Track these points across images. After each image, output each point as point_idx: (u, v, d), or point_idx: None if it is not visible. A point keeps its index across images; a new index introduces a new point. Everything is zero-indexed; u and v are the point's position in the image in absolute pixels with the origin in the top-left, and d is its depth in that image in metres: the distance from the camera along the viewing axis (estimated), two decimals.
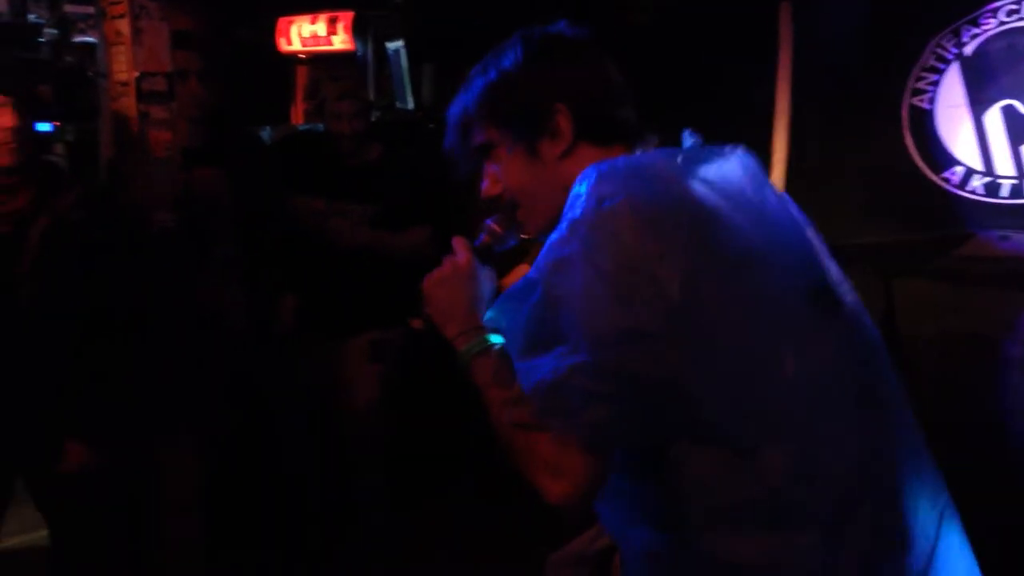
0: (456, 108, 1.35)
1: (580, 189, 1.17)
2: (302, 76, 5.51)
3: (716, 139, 4.36)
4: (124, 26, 2.85)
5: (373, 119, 4.15)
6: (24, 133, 2.42)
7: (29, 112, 2.42)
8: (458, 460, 4.06)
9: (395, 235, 3.55)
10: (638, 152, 1.33)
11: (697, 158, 1.25)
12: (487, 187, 1.36)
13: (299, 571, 3.51)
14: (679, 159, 1.22)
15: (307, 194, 3.50)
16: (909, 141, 3.64)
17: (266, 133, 5.05)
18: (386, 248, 3.54)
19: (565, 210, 1.19)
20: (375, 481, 3.60)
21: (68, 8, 6.81)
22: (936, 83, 3.59)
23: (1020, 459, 2.73)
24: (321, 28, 5.15)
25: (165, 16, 2.92)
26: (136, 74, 2.86)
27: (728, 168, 1.26)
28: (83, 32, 6.81)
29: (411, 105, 5.06)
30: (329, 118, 3.56)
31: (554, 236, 1.17)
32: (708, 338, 1.08)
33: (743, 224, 1.16)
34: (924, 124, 3.62)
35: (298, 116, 5.57)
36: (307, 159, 3.64)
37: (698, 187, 1.16)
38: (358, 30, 5.15)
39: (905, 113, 3.65)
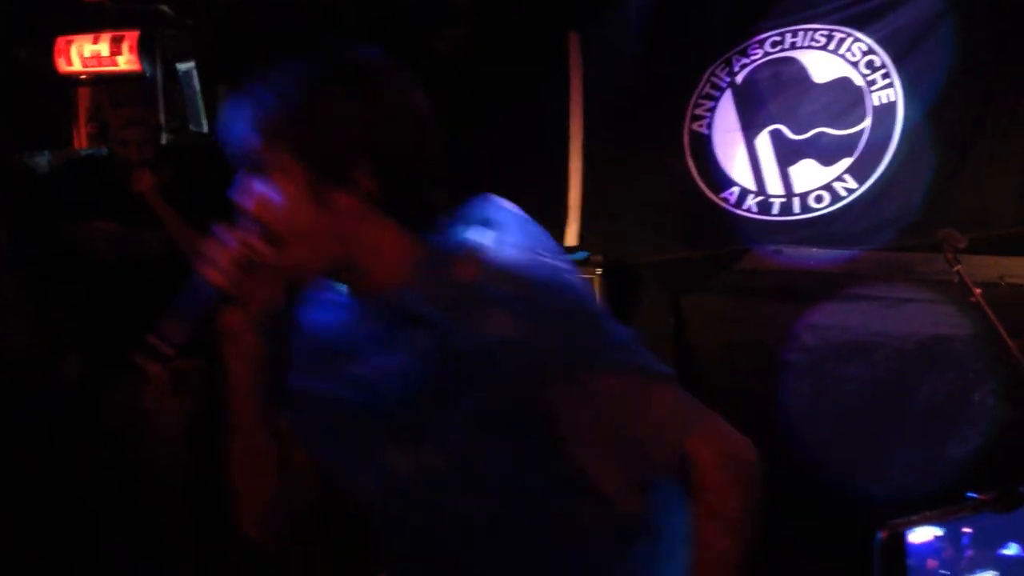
0: (247, 110, 1.13)
1: None
2: (84, 98, 5.21)
3: (514, 167, 4.43)
4: None
5: (164, 142, 3.99)
6: None
7: None
8: None
9: (188, 229, 3.43)
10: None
11: None
12: (247, 203, 1.14)
13: None
14: None
15: (95, 219, 3.32)
16: (691, 164, 3.88)
17: (44, 159, 4.75)
18: (177, 231, 3.40)
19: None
20: (178, 521, 3.44)
21: None
22: (712, 110, 3.86)
23: (797, 455, 2.94)
24: (104, 48, 4.87)
25: None
26: None
27: None
28: None
29: (205, 128, 4.90)
30: (114, 145, 3.38)
31: None
32: None
33: None
34: (703, 148, 3.88)
35: (81, 140, 5.27)
36: (93, 185, 3.46)
37: None
38: (145, 50, 4.92)
39: (686, 138, 3.89)
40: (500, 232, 1.15)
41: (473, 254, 1.12)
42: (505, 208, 1.20)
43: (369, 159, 1.10)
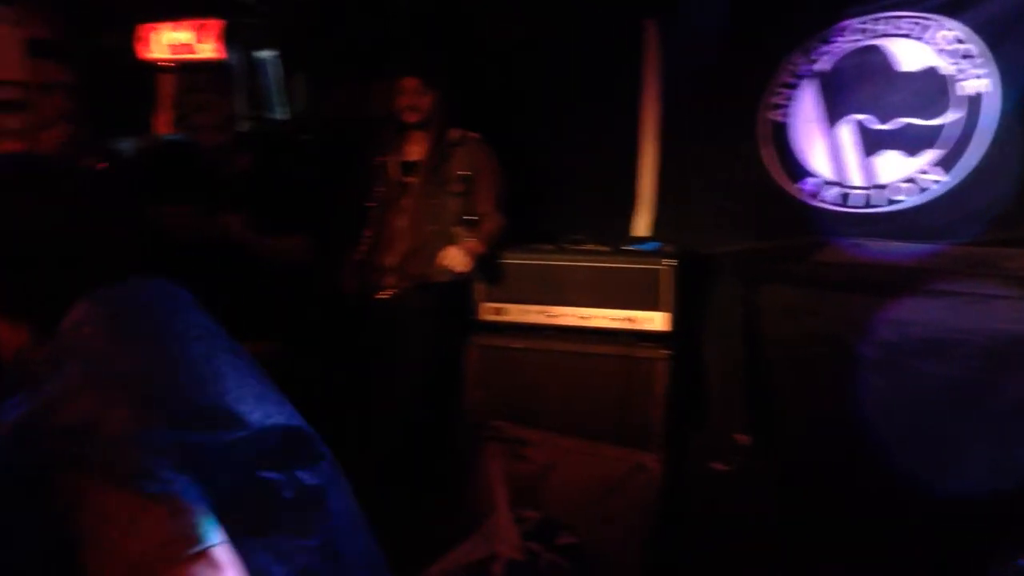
0: None
1: None
2: (166, 84, 5.34)
3: (585, 156, 4.37)
4: None
5: (246, 129, 4.07)
6: None
7: None
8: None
9: (270, 238, 3.49)
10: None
11: None
12: None
13: None
14: None
15: (176, 204, 3.40)
16: (767, 153, 3.81)
17: (128, 144, 4.88)
18: (262, 249, 3.46)
19: None
20: None
21: None
22: (791, 98, 3.77)
23: (871, 449, 2.87)
24: (187, 36, 4.99)
25: (20, 22, 2.76)
26: None
27: None
28: None
29: (284, 115, 4.99)
30: (187, 130, 3.48)
31: None
32: None
33: None
34: (781, 137, 3.79)
35: (161, 125, 5.40)
36: (175, 170, 3.55)
37: None
38: (228, 38, 5.02)
39: (763, 127, 3.81)
40: (73, 327, 1.21)
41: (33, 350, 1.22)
42: (97, 303, 1.25)
43: None
